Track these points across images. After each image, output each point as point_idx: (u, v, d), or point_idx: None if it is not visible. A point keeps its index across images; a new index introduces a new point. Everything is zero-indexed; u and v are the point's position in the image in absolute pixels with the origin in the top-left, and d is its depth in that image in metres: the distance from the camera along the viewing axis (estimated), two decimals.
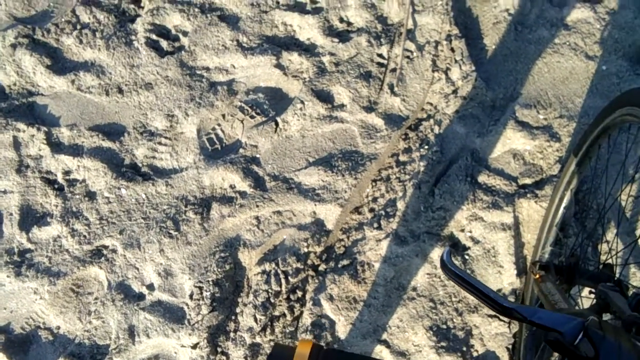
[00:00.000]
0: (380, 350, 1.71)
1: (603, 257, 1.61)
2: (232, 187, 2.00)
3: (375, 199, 1.92)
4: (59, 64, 2.27)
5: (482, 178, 1.88)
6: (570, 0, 2.09)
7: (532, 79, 2.02)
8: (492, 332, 1.68)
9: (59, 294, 1.87)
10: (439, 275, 1.77)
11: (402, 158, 1.96)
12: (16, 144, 2.13)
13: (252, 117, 2.10)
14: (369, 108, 2.06)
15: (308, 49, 2.19)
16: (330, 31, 2.19)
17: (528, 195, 1.81)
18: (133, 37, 2.25)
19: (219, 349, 1.75)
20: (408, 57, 2.12)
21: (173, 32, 2.29)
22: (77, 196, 2.03)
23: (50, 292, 1.87)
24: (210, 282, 1.83)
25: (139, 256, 1.90)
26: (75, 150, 2.10)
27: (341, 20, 2.22)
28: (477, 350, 1.67)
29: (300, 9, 2.25)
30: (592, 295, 1.47)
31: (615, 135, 1.51)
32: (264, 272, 1.84)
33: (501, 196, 1.84)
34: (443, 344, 1.67)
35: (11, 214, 2.02)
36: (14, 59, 2.25)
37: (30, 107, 2.23)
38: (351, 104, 2.06)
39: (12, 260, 1.93)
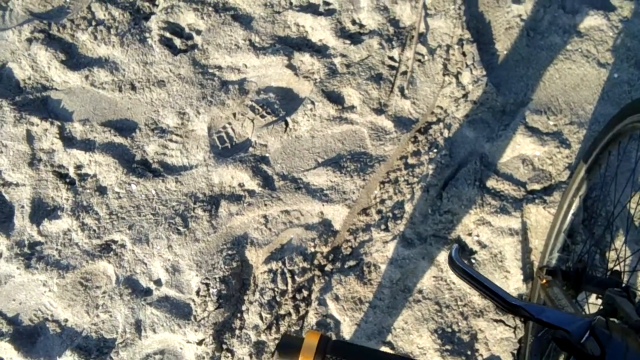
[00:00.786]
0: None
1: (611, 265, 1.60)
2: (241, 185, 2.02)
3: (383, 201, 1.92)
4: (74, 59, 2.29)
5: (491, 183, 1.88)
6: (583, 8, 2.09)
7: (543, 85, 2.02)
8: (498, 337, 1.68)
9: (67, 287, 1.89)
10: (445, 279, 1.77)
11: (411, 161, 1.96)
12: (29, 138, 2.16)
13: (262, 116, 2.12)
14: (379, 110, 2.06)
15: (320, 50, 2.20)
16: (342, 33, 2.20)
17: (536, 201, 1.81)
18: (147, 35, 2.28)
19: (225, 346, 1.76)
20: (419, 60, 2.12)
21: (186, 30, 2.32)
22: (88, 190, 2.05)
23: (59, 285, 1.89)
24: (217, 279, 1.84)
25: (147, 251, 1.92)
26: (87, 145, 2.13)
27: (353, 22, 2.23)
28: (481, 355, 1.67)
29: (313, 10, 2.26)
30: (599, 302, 1.47)
31: (626, 143, 1.51)
32: (270, 270, 1.85)
33: (509, 201, 1.84)
34: (448, 347, 1.67)
35: (23, 207, 2.04)
36: (29, 53, 2.28)
37: (44, 102, 2.25)
38: (361, 106, 2.07)
39: (23, 253, 1.96)
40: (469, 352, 1.68)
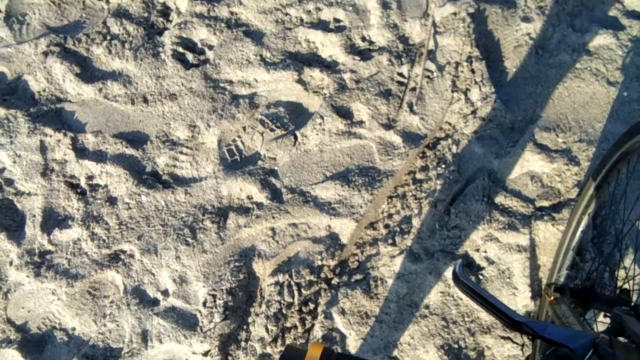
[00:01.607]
0: None
1: (619, 283, 1.59)
2: (249, 198, 2.03)
3: (390, 215, 1.93)
4: (88, 72, 2.34)
5: (499, 199, 1.88)
6: (592, 27, 2.11)
7: (552, 102, 2.03)
8: (505, 354, 1.66)
9: (76, 296, 1.91)
10: (452, 294, 1.76)
11: (419, 176, 1.97)
12: (43, 148, 2.19)
13: (272, 130, 2.14)
14: (388, 125, 2.08)
15: (329, 66, 2.23)
16: (352, 49, 2.23)
17: (545, 218, 1.81)
18: (160, 49, 2.32)
19: (230, 358, 1.76)
20: (428, 76, 2.14)
21: (199, 45, 2.36)
22: (99, 201, 2.08)
23: (67, 294, 1.91)
24: (224, 291, 1.84)
25: (155, 262, 1.93)
26: (99, 156, 2.16)
27: (363, 39, 2.26)
28: None
29: (323, 27, 2.30)
30: (607, 321, 1.45)
31: (635, 161, 1.50)
32: (277, 283, 1.86)
33: (518, 217, 1.83)
34: None
35: (34, 216, 2.07)
36: (45, 66, 2.33)
37: (58, 113, 2.30)
38: (370, 121, 2.09)
39: (33, 261, 1.98)
40: None
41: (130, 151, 2.15)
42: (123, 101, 2.26)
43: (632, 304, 1.22)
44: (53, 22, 2.49)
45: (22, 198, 2.11)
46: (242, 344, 1.78)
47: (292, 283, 1.85)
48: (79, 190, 2.12)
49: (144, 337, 1.81)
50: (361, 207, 1.94)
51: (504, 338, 1.68)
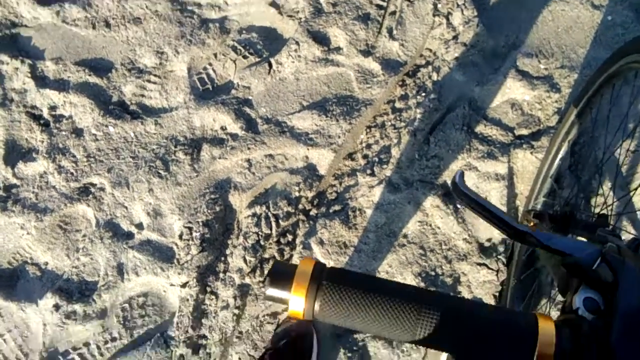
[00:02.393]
0: None
1: (597, 209, 1.60)
2: (223, 128, 1.96)
3: (369, 146, 1.89)
4: None
5: (479, 128, 1.85)
6: None
7: (535, 27, 1.96)
8: (480, 280, 1.70)
9: (46, 230, 1.85)
10: (430, 223, 1.77)
11: (399, 105, 1.91)
12: (0, 77, 2.05)
13: (245, 57, 2.03)
14: (366, 52, 1.99)
15: None
16: None
17: (524, 146, 1.79)
18: None
19: (208, 289, 1.76)
20: (408, 0, 2.04)
21: None
22: (64, 132, 1.97)
23: (37, 228, 1.85)
24: (200, 223, 1.81)
25: (127, 195, 1.87)
26: (61, 85, 2.03)
27: None
28: (464, 297, 1.69)
29: None
30: None
31: (620, 85, 1.47)
32: (254, 214, 1.83)
33: (497, 146, 1.81)
34: (431, 289, 1.69)
35: None
36: None
37: (14, 39, 2.13)
38: (348, 47, 1.99)
39: None
40: (451, 294, 1.69)
41: (94, 79, 2.02)
42: (83, 25, 2.10)
43: (611, 227, 1.23)
44: None
45: None
46: (221, 275, 1.77)
47: (270, 215, 1.82)
48: (41, 122, 2.01)
49: (120, 270, 1.78)
50: (339, 137, 1.89)
51: (479, 264, 1.70)
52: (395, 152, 1.83)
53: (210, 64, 2.05)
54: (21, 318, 1.76)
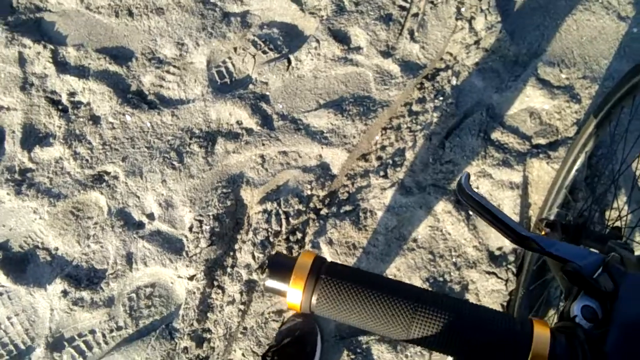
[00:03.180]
0: None
1: (611, 223, 1.58)
2: (239, 123, 1.96)
3: (383, 147, 1.88)
4: None
5: (496, 135, 1.83)
6: None
7: (559, 35, 1.93)
8: (489, 289, 1.68)
9: (58, 216, 1.87)
10: (440, 229, 1.75)
11: (415, 108, 1.90)
12: (21, 61, 2.07)
13: (264, 52, 2.03)
14: (386, 53, 1.98)
15: None
16: None
17: (540, 156, 1.77)
18: None
19: (216, 283, 1.76)
20: (432, 2, 2.02)
21: None
22: (81, 119, 1.99)
23: (49, 213, 1.87)
24: (211, 217, 1.81)
25: (140, 185, 1.89)
26: (81, 72, 2.05)
27: None
28: (462, 298, 1.67)
29: None
30: None
31: None
32: (265, 211, 1.83)
33: (513, 154, 1.79)
34: (429, 289, 1.67)
35: (14, 132, 1.98)
36: None
37: (38, 24, 2.15)
38: (368, 47, 1.98)
39: (13, 178, 1.92)
40: (448, 295, 1.68)
41: (114, 68, 2.04)
42: (107, 13, 2.11)
43: (623, 240, 1.21)
44: None
45: (0, 112, 2.02)
46: (228, 269, 1.77)
47: (281, 212, 1.82)
48: (60, 107, 2.03)
49: (129, 259, 1.79)
50: (354, 137, 1.88)
51: (488, 273, 1.69)
52: (409, 155, 1.82)
53: (229, 58, 2.06)
54: (29, 302, 1.78)
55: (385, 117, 1.92)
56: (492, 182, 1.78)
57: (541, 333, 0.54)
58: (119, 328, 1.73)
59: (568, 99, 1.83)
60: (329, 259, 1.73)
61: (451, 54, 1.97)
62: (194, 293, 1.74)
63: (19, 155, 1.95)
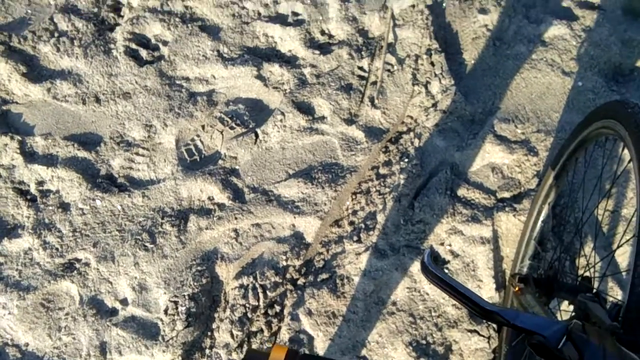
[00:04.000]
0: None
1: (581, 271, 1.61)
2: (210, 199, 1.97)
3: (355, 212, 1.90)
4: (35, 72, 2.22)
5: (462, 191, 1.88)
6: (546, 17, 2.13)
7: (510, 93, 2.04)
8: (472, 348, 1.67)
9: (28, 309, 1.81)
10: (419, 289, 1.76)
11: (382, 171, 1.95)
12: None
13: (232, 128, 2.08)
14: (350, 120, 2.05)
15: (289, 61, 2.19)
16: (311, 43, 2.19)
17: (507, 209, 1.82)
18: (112, 46, 2.22)
19: None
20: (389, 70, 2.12)
21: (153, 41, 2.27)
22: (50, 207, 1.98)
23: (19, 307, 1.81)
24: (186, 297, 1.78)
25: (112, 270, 1.85)
26: (50, 160, 2.05)
27: (322, 32, 2.22)
28: None
29: (281, 20, 2.24)
30: (571, 308, 1.47)
31: (592, 149, 1.52)
32: (241, 286, 1.81)
33: (480, 210, 1.84)
34: (422, 359, 1.65)
35: None
36: None
37: (4, 116, 2.17)
38: (332, 116, 2.06)
39: None
40: None
41: (82, 154, 2.05)
42: (74, 101, 2.15)
43: (594, 290, 1.23)
44: None
45: None
46: (207, 351, 1.72)
47: (257, 285, 1.80)
48: (28, 197, 2.01)
49: (103, 349, 1.73)
50: (325, 204, 1.91)
51: (470, 331, 1.68)
52: (380, 218, 1.85)
53: (198, 136, 2.10)
54: None
55: (354, 182, 1.96)
56: (463, 238, 1.81)
57: None
58: None
59: (526, 153, 1.90)
60: (310, 331, 1.71)
61: (412, 117, 2.05)
62: None
63: None
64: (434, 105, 2.03)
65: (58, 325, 1.79)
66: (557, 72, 2.05)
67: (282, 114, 2.07)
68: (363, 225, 1.86)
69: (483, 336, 1.66)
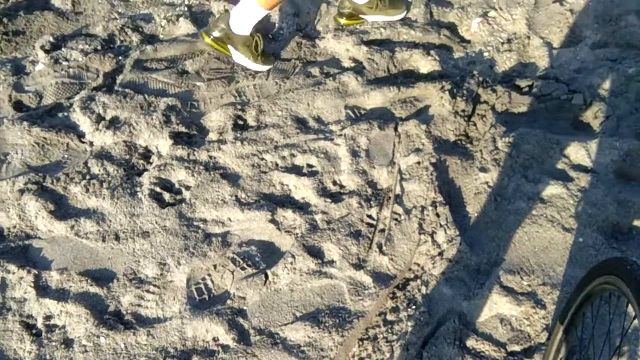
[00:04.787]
0: None
1: None
2: (215, 339, 1.95)
3: (361, 359, 1.86)
4: (62, 209, 2.36)
5: (471, 342, 1.85)
6: (543, 177, 2.29)
7: (513, 246, 2.12)
8: None
9: None
10: None
11: (390, 317, 1.95)
12: (3, 286, 2.11)
13: (243, 268, 2.13)
14: (358, 265, 2.11)
15: (302, 207, 2.32)
16: (323, 192, 2.35)
17: None
18: (138, 189, 2.39)
19: None
20: (396, 219, 2.24)
21: (176, 185, 2.44)
22: (54, 343, 1.96)
23: None
24: None
25: None
26: (62, 295, 2.08)
27: (334, 183, 2.39)
28: None
29: (297, 171, 2.43)
30: None
31: (598, 304, 1.54)
32: None
33: None
34: None
35: None
36: (19, 203, 2.35)
37: (25, 250, 2.26)
38: (341, 261, 2.12)
39: None
40: None
41: (94, 289, 2.09)
42: (94, 238, 2.25)
43: None
44: (34, 162, 2.56)
45: None
46: None
47: None
48: (34, 331, 2.00)
49: None
50: (331, 349, 1.88)
51: None
52: None
53: (209, 275, 2.14)
54: None
55: (361, 327, 1.95)
56: None
57: None
58: None
59: (534, 305, 1.91)
60: None
61: (419, 265, 2.11)
62: None
63: None
64: (440, 254, 2.10)
65: None
66: (558, 228, 2.14)
67: (293, 256, 2.14)
68: None
69: None
